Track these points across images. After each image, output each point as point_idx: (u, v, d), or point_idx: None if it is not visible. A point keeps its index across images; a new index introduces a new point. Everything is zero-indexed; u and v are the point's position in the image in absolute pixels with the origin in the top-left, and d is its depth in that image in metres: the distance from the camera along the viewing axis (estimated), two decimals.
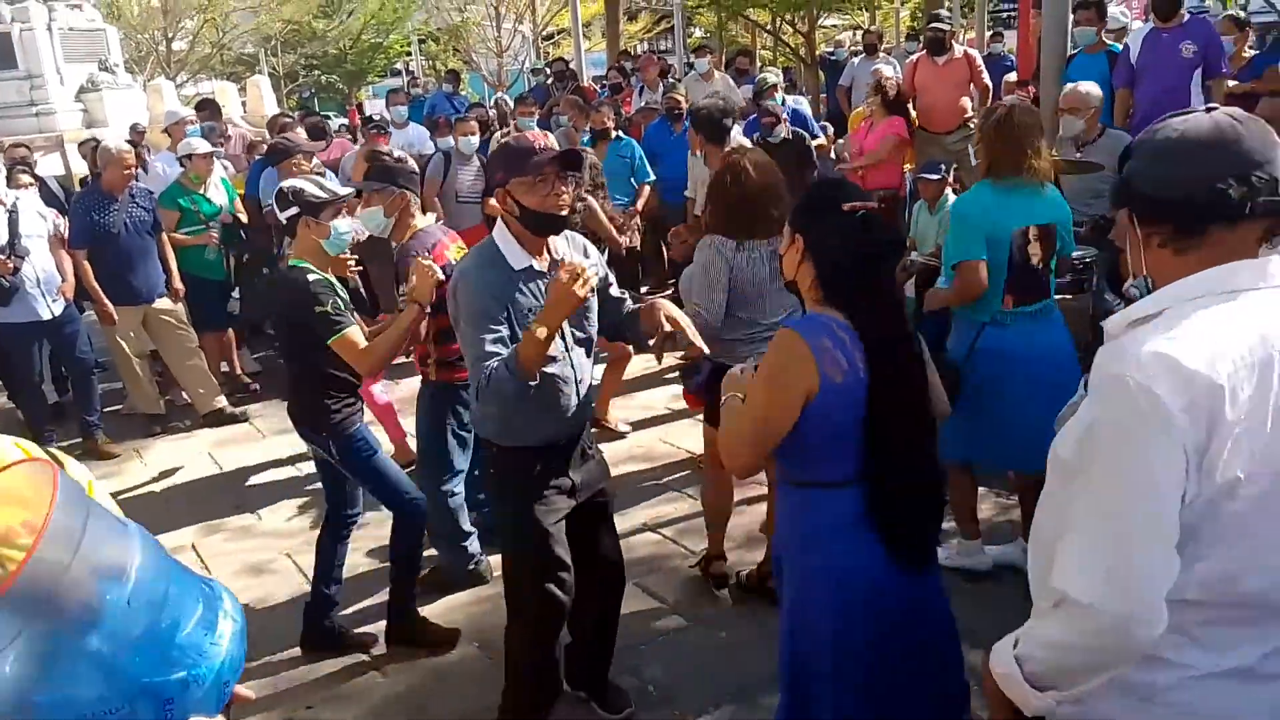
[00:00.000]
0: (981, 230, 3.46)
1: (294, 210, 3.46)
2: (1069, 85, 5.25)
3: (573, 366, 2.84)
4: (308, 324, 3.33)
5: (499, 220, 2.83)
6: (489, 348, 2.61)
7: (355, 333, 3.33)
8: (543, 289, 2.71)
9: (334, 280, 3.44)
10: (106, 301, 5.88)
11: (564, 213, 2.71)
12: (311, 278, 3.35)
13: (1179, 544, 1.34)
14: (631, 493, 4.80)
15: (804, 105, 8.90)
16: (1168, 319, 1.40)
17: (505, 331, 2.65)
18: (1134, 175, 1.48)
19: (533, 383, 2.63)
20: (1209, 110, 1.45)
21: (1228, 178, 1.37)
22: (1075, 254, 4.94)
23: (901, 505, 2.16)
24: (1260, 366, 1.34)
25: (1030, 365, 3.46)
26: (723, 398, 2.37)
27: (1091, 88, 5.16)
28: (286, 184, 3.58)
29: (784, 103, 8.23)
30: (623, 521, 4.45)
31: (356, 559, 4.09)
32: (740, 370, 2.40)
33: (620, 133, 7.58)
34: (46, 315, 5.67)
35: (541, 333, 2.54)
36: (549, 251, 2.82)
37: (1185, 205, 1.41)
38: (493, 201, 6.80)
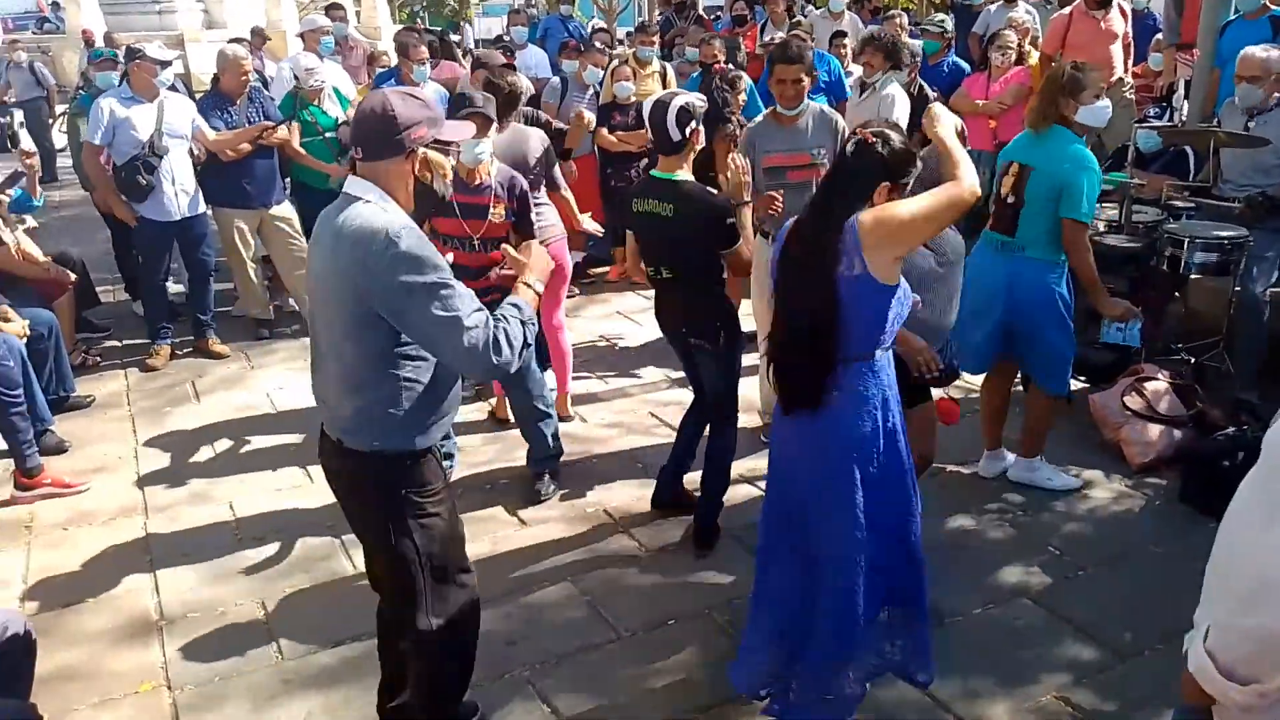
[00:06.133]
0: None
1: (694, 125, 3.48)
2: (1245, 50, 4.87)
3: None
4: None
5: None
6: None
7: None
8: None
9: None
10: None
11: None
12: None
13: None
14: None
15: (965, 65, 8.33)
16: None
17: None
18: None
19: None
20: None
21: None
22: (1224, 234, 4.68)
23: None
24: None
25: (973, 288, 3.82)
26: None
27: (1271, 53, 4.81)
28: (685, 100, 3.49)
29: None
30: None
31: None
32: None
33: (733, 68, 7.35)
34: (179, 215, 5.85)
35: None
36: None
37: None
38: (604, 132, 6.80)
